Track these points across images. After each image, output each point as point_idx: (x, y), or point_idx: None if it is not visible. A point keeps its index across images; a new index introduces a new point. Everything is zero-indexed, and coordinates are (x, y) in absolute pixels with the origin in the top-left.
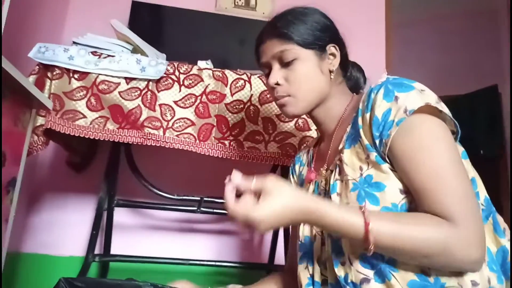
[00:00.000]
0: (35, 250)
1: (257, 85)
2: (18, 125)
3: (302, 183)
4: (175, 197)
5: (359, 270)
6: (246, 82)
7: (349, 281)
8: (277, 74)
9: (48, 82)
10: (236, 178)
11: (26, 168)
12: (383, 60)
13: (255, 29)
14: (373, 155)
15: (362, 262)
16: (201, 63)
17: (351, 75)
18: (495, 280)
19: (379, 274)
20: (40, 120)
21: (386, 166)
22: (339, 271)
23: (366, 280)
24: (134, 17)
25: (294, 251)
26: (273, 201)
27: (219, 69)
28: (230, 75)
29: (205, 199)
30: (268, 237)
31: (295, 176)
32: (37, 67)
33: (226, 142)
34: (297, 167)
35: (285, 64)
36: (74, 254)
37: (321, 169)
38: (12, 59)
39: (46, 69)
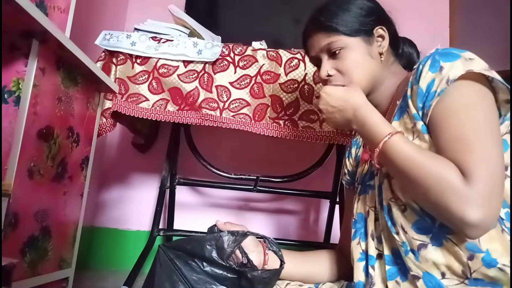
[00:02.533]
0: (106, 225)
1: (311, 64)
2: (89, 108)
3: (358, 164)
4: (232, 176)
5: (415, 237)
6: (300, 61)
7: (408, 248)
8: (327, 65)
9: (113, 67)
10: None
11: (96, 149)
12: (447, 31)
13: (309, 7)
14: (420, 124)
15: (416, 229)
16: (255, 44)
17: (402, 52)
18: None
19: (435, 238)
20: (108, 104)
21: (428, 136)
22: (400, 238)
23: (423, 245)
24: (190, 1)
25: (347, 228)
26: (341, 88)
27: (273, 49)
28: (284, 54)
29: (261, 178)
30: (324, 215)
31: (351, 159)
32: (103, 53)
33: (281, 122)
34: (353, 150)
35: (334, 55)
36: (141, 229)
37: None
38: (82, 47)
39: (111, 55)
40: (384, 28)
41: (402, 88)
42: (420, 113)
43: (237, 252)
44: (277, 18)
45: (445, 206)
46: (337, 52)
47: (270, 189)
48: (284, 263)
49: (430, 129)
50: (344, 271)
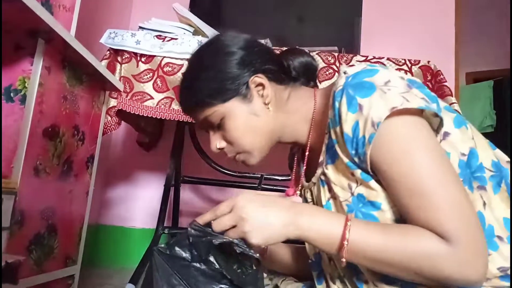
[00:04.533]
0: (111, 222)
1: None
2: (94, 106)
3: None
4: (237, 174)
5: None
6: None
7: None
8: (214, 140)
9: (118, 66)
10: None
11: (101, 147)
12: (452, 30)
13: (314, 5)
14: (358, 172)
15: (386, 282)
16: None
17: (294, 70)
18: None
19: (406, 285)
20: (113, 102)
21: (374, 183)
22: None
23: None
24: None
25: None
26: (261, 196)
27: (278, 47)
28: None
29: (265, 176)
30: None
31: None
32: (108, 52)
33: None
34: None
35: (217, 127)
36: (145, 227)
37: (301, 179)
38: (87, 45)
39: (116, 53)
40: (259, 74)
41: (319, 112)
42: (356, 159)
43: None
44: (281, 17)
45: (444, 276)
46: (218, 124)
47: (275, 187)
48: (260, 260)
49: (378, 176)
50: None
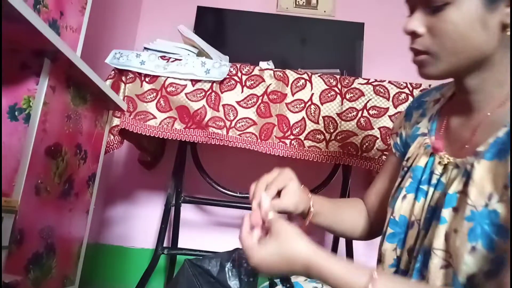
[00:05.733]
0: (111, 242)
1: (318, 84)
2: (97, 125)
3: (414, 138)
4: (238, 194)
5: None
6: (307, 82)
7: None
8: (416, 20)
9: (122, 85)
10: (265, 203)
11: (103, 166)
12: None
13: (317, 28)
14: None
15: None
16: (263, 64)
17: None
18: None
19: None
20: (116, 121)
21: None
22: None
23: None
24: (199, 21)
25: (379, 190)
26: (272, 247)
27: (280, 69)
28: (291, 74)
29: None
30: (330, 236)
31: (409, 124)
32: (113, 72)
33: (287, 141)
34: (415, 114)
35: (433, 10)
36: (145, 247)
37: (443, 153)
38: (92, 65)
39: (120, 73)
40: None
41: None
42: None
43: None
44: (284, 39)
45: None
46: (438, 7)
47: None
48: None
49: None
50: (363, 224)
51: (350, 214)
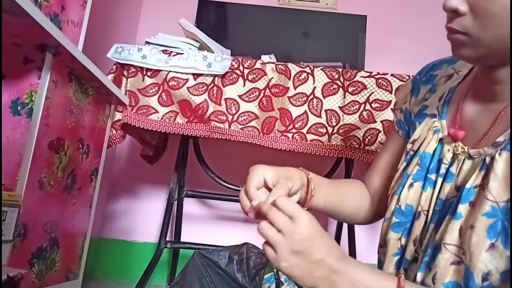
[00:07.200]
0: (114, 236)
1: (320, 78)
2: (100, 120)
3: (421, 118)
4: (240, 188)
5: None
6: (309, 75)
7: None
8: None
9: (124, 80)
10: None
11: (105, 160)
12: None
13: (319, 21)
14: None
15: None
16: (265, 57)
17: None
18: None
19: None
20: (118, 115)
21: None
22: None
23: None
24: (201, 15)
25: (381, 169)
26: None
27: (282, 63)
28: (293, 68)
29: None
30: (332, 228)
31: (414, 100)
32: (115, 66)
33: (289, 135)
34: (423, 89)
35: None
36: (148, 240)
37: (457, 143)
38: (94, 59)
39: (122, 68)
40: None
41: None
42: None
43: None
44: (286, 32)
45: None
46: None
47: None
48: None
49: None
50: (367, 207)
51: (352, 196)
